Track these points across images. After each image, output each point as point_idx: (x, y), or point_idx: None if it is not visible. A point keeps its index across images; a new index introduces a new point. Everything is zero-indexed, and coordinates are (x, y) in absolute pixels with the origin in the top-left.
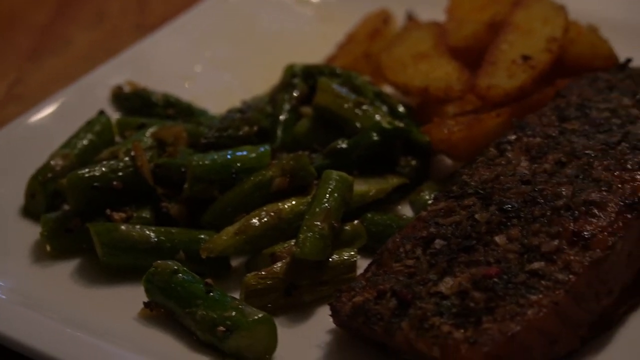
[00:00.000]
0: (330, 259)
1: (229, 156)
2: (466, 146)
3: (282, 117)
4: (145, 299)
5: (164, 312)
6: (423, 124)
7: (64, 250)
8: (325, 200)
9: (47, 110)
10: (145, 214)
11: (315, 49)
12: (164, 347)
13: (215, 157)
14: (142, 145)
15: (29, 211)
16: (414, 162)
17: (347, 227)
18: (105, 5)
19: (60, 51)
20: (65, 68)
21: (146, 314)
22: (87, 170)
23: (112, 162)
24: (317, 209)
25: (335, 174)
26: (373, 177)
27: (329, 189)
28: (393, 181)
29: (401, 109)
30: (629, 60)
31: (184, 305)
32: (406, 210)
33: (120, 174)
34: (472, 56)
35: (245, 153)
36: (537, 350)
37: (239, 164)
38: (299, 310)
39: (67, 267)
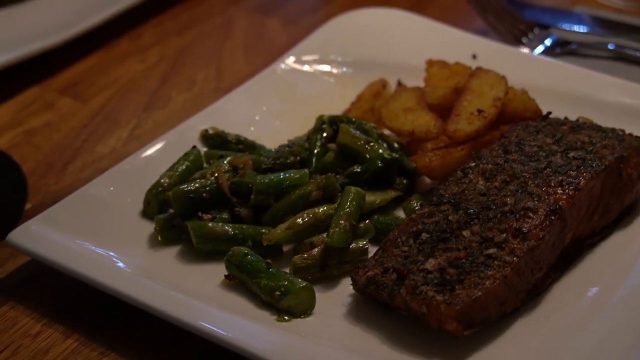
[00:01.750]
0: (350, 247)
1: (281, 176)
2: (440, 170)
3: (315, 151)
4: (226, 273)
5: (239, 282)
6: (411, 155)
7: (170, 240)
8: (347, 206)
9: (156, 147)
10: (225, 215)
11: (336, 105)
12: (238, 305)
13: (272, 177)
14: (222, 169)
15: (146, 214)
16: (405, 181)
17: (361, 225)
18: (194, 75)
19: (164, 106)
20: (168, 118)
21: (226, 283)
22: (185, 186)
23: (202, 180)
24: (342, 212)
25: (353, 189)
26: (378, 191)
27: (349, 199)
28: (392, 194)
29: (396, 145)
30: (549, 113)
31: (252, 277)
32: (400, 214)
33: (208, 188)
34: (443, 110)
35: (291, 174)
36: (492, 309)
37: (287, 182)
38: (330, 281)
39: (172, 252)
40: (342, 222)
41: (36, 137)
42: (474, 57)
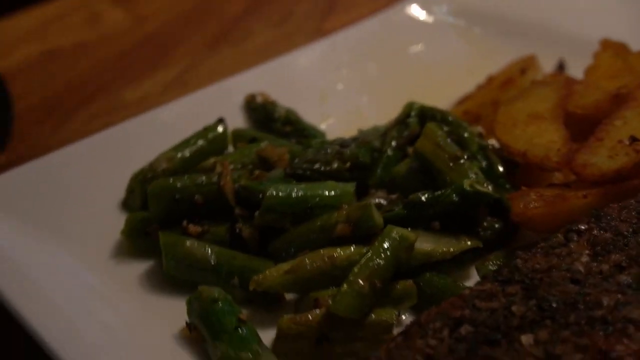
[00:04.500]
0: (369, 317)
1: (307, 191)
2: (544, 222)
3: (386, 154)
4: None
5: (200, 336)
6: (523, 186)
7: (141, 249)
8: (376, 257)
9: (181, 107)
10: (220, 231)
11: (459, 85)
12: None
13: (293, 189)
14: (229, 165)
15: (127, 205)
16: (497, 225)
17: (398, 285)
18: (295, 6)
19: (238, 43)
20: (235, 61)
21: (185, 334)
22: (171, 180)
23: (198, 176)
24: (364, 266)
25: (396, 231)
26: (447, 235)
27: (384, 247)
28: (465, 244)
29: (500, 168)
30: None
31: (213, 336)
32: (473, 273)
33: (203, 189)
34: (588, 125)
35: (324, 190)
36: None
37: (316, 199)
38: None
39: (139, 267)
40: (360, 280)
41: (57, 62)
42: None
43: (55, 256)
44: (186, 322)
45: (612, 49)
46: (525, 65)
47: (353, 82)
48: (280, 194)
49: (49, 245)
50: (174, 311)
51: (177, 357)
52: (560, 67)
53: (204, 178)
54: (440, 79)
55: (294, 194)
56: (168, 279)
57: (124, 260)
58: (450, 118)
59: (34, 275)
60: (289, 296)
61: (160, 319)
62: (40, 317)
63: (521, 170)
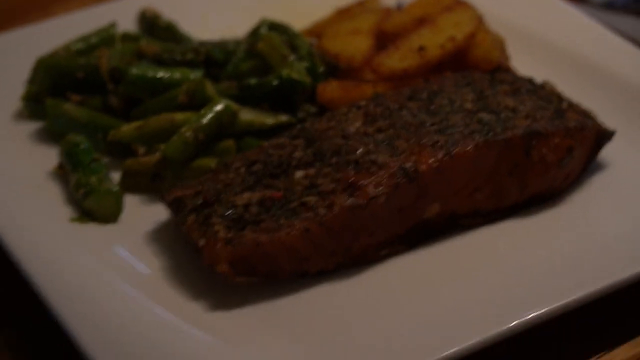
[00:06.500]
0: (193, 162)
1: (162, 72)
2: (341, 103)
3: (237, 55)
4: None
5: (66, 172)
6: None
7: (35, 114)
8: (201, 117)
9: (89, 15)
10: (96, 101)
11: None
12: (52, 197)
13: (151, 70)
14: (106, 51)
15: (32, 81)
16: (312, 110)
17: (221, 143)
18: None
19: None
20: None
21: (56, 171)
22: (57, 59)
23: (80, 57)
24: (192, 122)
25: (222, 102)
26: (269, 112)
27: (210, 111)
28: (280, 118)
29: (321, 69)
30: (497, 68)
31: (73, 169)
32: None
33: (84, 67)
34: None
35: (176, 73)
36: (284, 262)
37: (168, 78)
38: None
39: (31, 126)
40: (188, 133)
41: None
42: None
43: None
44: (59, 162)
45: None
46: (365, 0)
47: (236, 12)
48: (139, 72)
49: None
50: (52, 155)
51: (47, 188)
52: (399, 6)
53: (85, 59)
54: (314, 11)
55: (150, 73)
56: (51, 134)
57: (21, 122)
58: (289, 31)
59: None
60: (142, 151)
61: (40, 160)
62: None
63: (341, 73)
